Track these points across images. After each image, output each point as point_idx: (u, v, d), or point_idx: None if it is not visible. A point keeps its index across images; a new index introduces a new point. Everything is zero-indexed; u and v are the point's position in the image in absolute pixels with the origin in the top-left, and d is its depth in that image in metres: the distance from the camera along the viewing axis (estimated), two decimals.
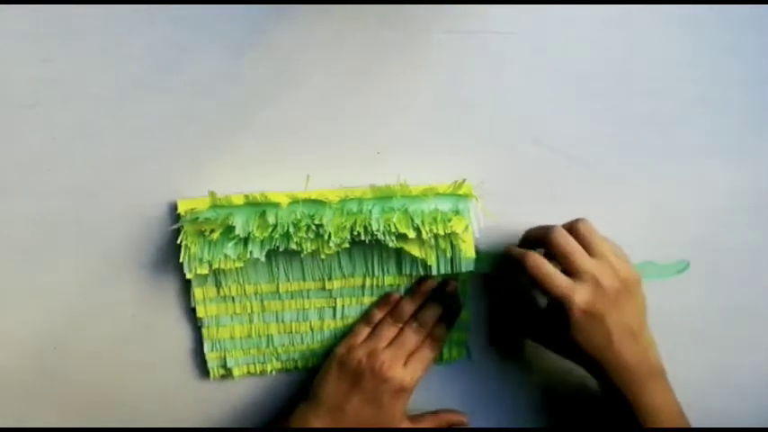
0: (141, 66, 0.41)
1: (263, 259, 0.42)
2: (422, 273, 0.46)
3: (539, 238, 0.42)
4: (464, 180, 0.42)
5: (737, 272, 0.49)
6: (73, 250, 0.44)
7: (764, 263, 0.50)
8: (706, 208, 0.48)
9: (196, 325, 0.47)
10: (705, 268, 0.48)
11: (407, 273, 0.46)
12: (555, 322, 0.40)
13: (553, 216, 0.46)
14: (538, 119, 0.45)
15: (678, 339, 0.49)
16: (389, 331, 0.45)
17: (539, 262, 0.39)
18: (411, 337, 0.45)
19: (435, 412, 0.48)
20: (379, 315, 0.46)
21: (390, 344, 0.45)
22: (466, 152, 0.45)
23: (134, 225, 0.44)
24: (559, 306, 0.39)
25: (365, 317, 0.47)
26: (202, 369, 0.48)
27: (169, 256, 0.44)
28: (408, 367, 0.44)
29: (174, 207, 0.43)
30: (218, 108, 0.42)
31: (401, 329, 0.45)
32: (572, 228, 0.41)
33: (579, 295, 0.38)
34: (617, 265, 0.39)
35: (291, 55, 0.42)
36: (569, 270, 0.39)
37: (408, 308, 0.46)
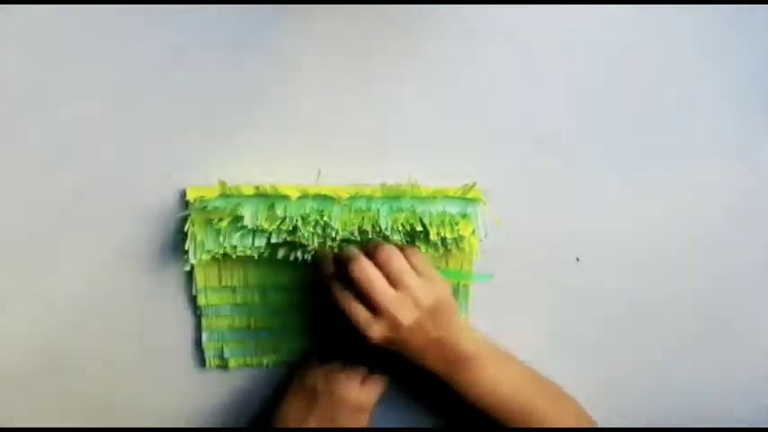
0: (147, 60, 0.40)
1: (265, 247, 0.42)
2: None
3: (340, 261, 0.41)
4: (474, 184, 0.43)
5: (737, 271, 0.50)
6: (76, 240, 0.43)
7: (764, 262, 0.50)
8: (706, 208, 0.48)
9: (196, 314, 0.46)
10: (705, 268, 0.48)
11: None
12: None
13: (553, 216, 0.46)
14: (538, 119, 0.45)
15: (678, 339, 0.50)
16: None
17: (344, 293, 0.39)
18: (366, 357, 0.45)
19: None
20: None
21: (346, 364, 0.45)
22: (465, 152, 0.45)
23: (139, 214, 0.43)
24: None
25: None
26: (200, 359, 0.47)
27: (173, 244, 0.44)
28: (365, 387, 0.44)
29: (179, 196, 0.43)
30: (230, 101, 0.42)
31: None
32: (373, 256, 0.40)
33: (375, 331, 0.38)
34: (419, 293, 0.39)
35: (297, 52, 0.42)
36: (369, 305, 0.38)
37: None
